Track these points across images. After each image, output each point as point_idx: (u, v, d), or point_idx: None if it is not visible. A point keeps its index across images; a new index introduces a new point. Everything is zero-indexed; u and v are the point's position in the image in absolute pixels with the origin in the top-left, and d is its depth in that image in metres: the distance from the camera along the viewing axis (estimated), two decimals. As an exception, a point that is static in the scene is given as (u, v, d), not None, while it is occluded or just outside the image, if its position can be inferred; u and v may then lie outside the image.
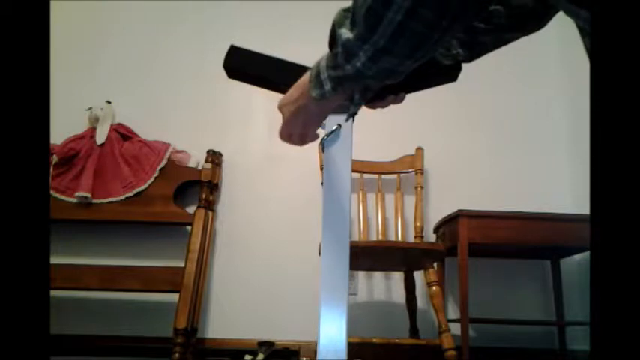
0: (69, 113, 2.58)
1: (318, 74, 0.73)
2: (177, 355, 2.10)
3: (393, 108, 0.92)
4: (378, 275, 2.51)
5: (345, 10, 0.66)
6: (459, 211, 2.13)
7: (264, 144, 2.65)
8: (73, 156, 2.47)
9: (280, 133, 0.87)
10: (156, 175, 2.45)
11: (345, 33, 0.64)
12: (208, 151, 2.52)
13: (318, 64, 0.74)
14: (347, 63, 0.66)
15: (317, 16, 2.84)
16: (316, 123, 0.85)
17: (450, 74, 0.89)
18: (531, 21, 0.84)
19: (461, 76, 0.90)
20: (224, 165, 2.61)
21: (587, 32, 0.56)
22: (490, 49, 0.88)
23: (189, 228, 2.37)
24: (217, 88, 2.68)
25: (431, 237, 2.48)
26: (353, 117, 0.88)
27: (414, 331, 2.29)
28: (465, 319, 2.04)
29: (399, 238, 2.38)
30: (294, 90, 0.81)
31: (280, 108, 0.84)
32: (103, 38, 2.83)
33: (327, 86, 0.72)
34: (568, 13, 0.57)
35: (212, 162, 2.50)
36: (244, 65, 0.89)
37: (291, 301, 2.44)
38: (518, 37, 0.87)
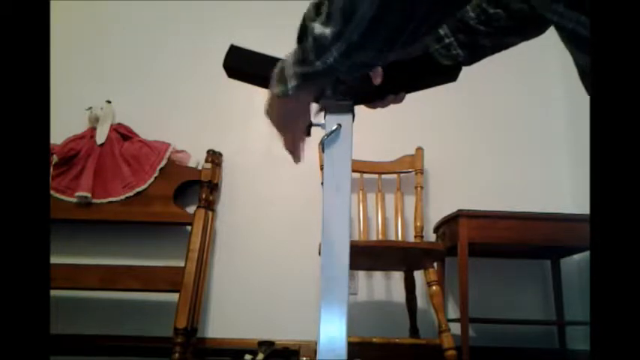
0: (69, 113, 2.58)
1: (282, 71, 0.71)
2: (177, 354, 2.10)
3: (393, 108, 0.92)
4: (378, 275, 2.51)
5: (316, 5, 0.63)
6: (459, 211, 2.13)
7: (264, 144, 2.65)
8: (73, 156, 2.47)
9: (280, 142, 0.86)
10: (156, 174, 2.45)
11: (318, 27, 0.61)
12: (208, 151, 2.52)
13: (282, 62, 0.72)
14: (317, 59, 0.63)
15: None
16: (294, 122, 0.82)
17: (449, 74, 0.90)
18: (531, 26, 0.84)
19: (461, 76, 0.90)
20: (224, 165, 2.61)
21: (573, 39, 0.57)
22: (490, 52, 0.88)
23: (189, 228, 2.37)
24: (217, 88, 2.68)
25: (431, 237, 2.48)
26: (353, 117, 0.88)
27: (414, 331, 2.29)
28: (465, 319, 2.04)
29: (399, 238, 2.38)
30: (270, 97, 0.79)
31: (267, 116, 0.83)
32: (103, 38, 2.83)
33: (292, 83, 0.70)
34: (564, 19, 0.57)
35: (212, 162, 2.49)
36: (244, 65, 0.89)
37: (291, 301, 2.44)
38: (517, 42, 0.87)
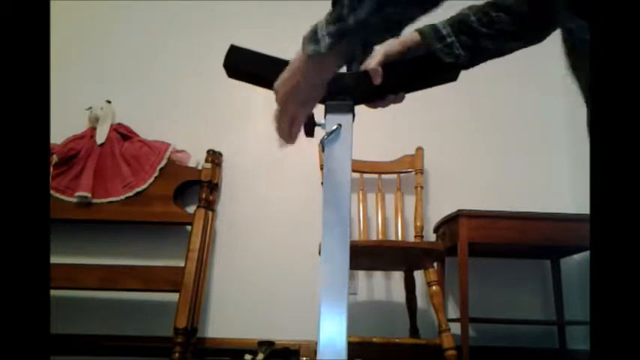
0: (69, 113, 2.58)
1: (315, 32, 0.71)
2: (177, 354, 2.10)
3: (393, 108, 0.92)
4: (378, 275, 2.51)
5: None
6: (458, 210, 2.13)
7: (264, 144, 2.65)
8: (73, 156, 2.47)
9: (276, 122, 0.83)
10: (156, 174, 2.45)
11: None
12: (208, 151, 2.52)
13: (315, 25, 0.72)
14: (351, 13, 0.64)
15: (317, 16, 2.84)
16: (311, 98, 0.80)
17: (449, 74, 0.90)
18: (531, 32, 0.85)
19: (461, 76, 0.90)
20: (224, 165, 2.61)
21: (576, 43, 0.57)
22: (490, 56, 0.89)
23: (189, 228, 2.37)
24: (217, 88, 2.68)
25: (431, 237, 2.48)
26: (353, 117, 0.88)
27: (414, 331, 2.29)
28: (465, 319, 2.04)
29: (399, 238, 2.38)
30: (289, 67, 0.78)
31: (276, 89, 0.81)
32: (103, 38, 2.83)
33: (325, 42, 0.69)
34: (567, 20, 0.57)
35: (212, 162, 2.50)
36: (244, 65, 0.89)
37: (291, 301, 2.44)
38: (519, 47, 0.88)
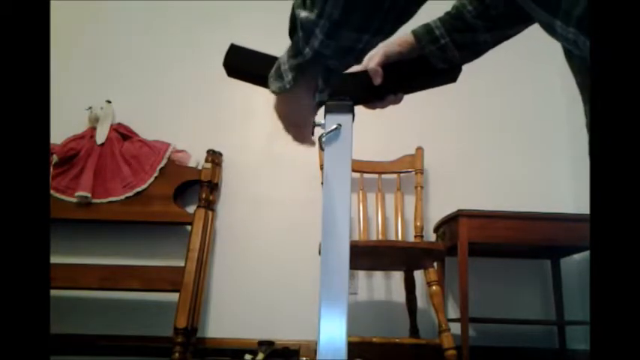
0: (69, 113, 2.58)
1: (278, 67, 0.72)
2: (177, 354, 2.10)
3: (393, 108, 0.92)
4: (378, 275, 2.51)
5: None
6: (459, 210, 2.13)
7: (264, 144, 2.65)
8: (73, 156, 2.47)
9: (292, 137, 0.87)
10: (156, 174, 2.45)
11: (303, 12, 0.63)
12: (208, 151, 2.52)
13: (278, 60, 0.73)
14: (306, 45, 0.65)
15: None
16: (297, 121, 0.82)
17: (449, 75, 0.89)
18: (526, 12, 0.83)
19: (461, 76, 0.90)
20: (224, 165, 2.61)
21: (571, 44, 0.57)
22: (492, 45, 0.87)
23: (189, 227, 2.37)
24: (217, 88, 2.68)
25: (431, 237, 2.48)
26: (353, 117, 0.88)
27: (414, 331, 2.29)
28: (464, 319, 2.04)
29: (399, 238, 2.38)
30: (275, 96, 0.80)
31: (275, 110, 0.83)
32: (103, 38, 2.83)
33: (288, 77, 0.71)
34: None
35: (212, 162, 2.50)
36: (244, 64, 0.89)
37: (291, 301, 2.44)
38: (520, 30, 0.85)
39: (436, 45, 0.86)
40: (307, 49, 0.65)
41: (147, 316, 2.43)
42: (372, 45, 0.66)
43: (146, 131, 2.60)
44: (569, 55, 0.69)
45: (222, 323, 2.44)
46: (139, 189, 2.42)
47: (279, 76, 0.72)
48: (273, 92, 0.74)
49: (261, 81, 0.90)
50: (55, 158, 2.42)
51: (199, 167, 2.51)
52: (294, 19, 0.66)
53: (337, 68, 0.72)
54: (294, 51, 0.68)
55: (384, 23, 0.62)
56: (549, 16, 0.57)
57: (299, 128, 0.84)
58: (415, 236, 2.35)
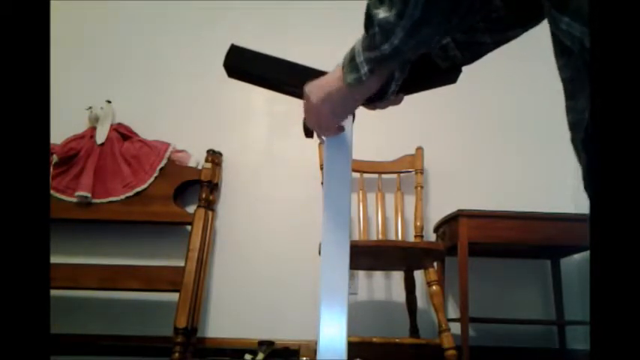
0: (69, 113, 2.58)
1: (352, 58, 0.73)
2: (177, 354, 2.10)
3: (393, 108, 0.92)
4: (378, 275, 2.51)
5: None
6: (459, 210, 2.13)
7: (264, 144, 2.65)
8: (73, 155, 2.47)
9: (307, 120, 0.86)
10: (156, 174, 2.45)
11: (381, 13, 0.64)
12: (208, 151, 2.52)
13: (352, 49, 0.74)
14: (384, 42, 0.66)
15: (317, 16, 2.84)
16: (347, 111, 0.83)
17: (449, 76, 0.89)
18: (529, 14, 0.83)
19: (461, 76, 0.90)
20: (224, 165, 2.61)
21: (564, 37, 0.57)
22: (492, 47, 0.87)
23: (189, 227, 2.37)
24: (217, 88, 2.68)
25: (431, 236, 2.48)
26: (353, 117, 0.88)
27: (414, 331, 2.29)
28: (464, 319, 2.04)
29: (399, 238, 2.38)
30: (327, 77, 0.80)
31: (308, 93, 0.82)
32: (103, 38, 2.83)
33: (364, 69, 0.72)
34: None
35: (212, 162, 2.49)
36: (244, 64, 0.89)
37: (291, 301, 2.44)
38: (519, 34, 0.86)
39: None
40: (386, 46, 0.66)
41: (147, 316, 2.43)
42: (449, 35, 0.69)
43: (146, 131, 2.60)
44: (562, 50, 0.70)
45: (222, 323, 2.44)
46: (139, 189, 2.42)
47: (355, 67, 0.72)
48: (349, 84, 0.74)
49: (261, 81, 0.90)
50: (55, 158, 2.42)
51: (199, 167, 2.51)
52: (369, 17, 0.67)
53: (411, 59, 0.75)
54: (371, 45, 0.68)
55: (465, 17, 0.64)
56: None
57: (340, 119, 0.84)
58: (415, 236, 2.35)
